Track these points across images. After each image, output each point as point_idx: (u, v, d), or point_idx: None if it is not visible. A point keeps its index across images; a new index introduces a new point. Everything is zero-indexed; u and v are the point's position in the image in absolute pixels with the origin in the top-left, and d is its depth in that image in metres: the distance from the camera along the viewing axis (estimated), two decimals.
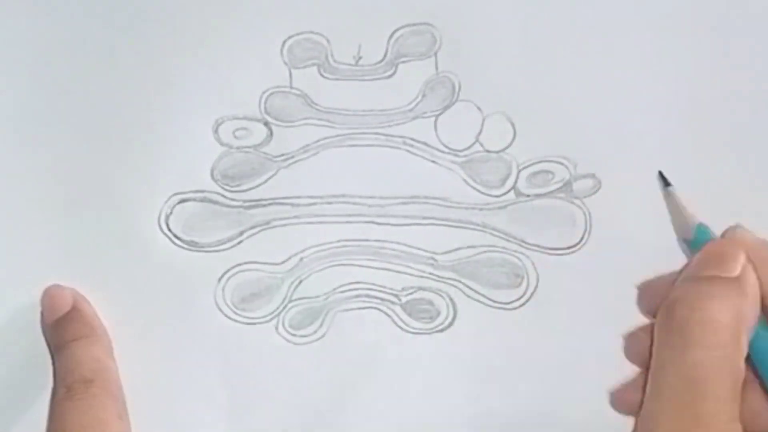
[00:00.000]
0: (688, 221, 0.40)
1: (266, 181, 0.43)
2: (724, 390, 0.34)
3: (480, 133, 0.43)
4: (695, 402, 0.34)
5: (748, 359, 0.36)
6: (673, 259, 0.41)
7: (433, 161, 0.43)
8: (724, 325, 0.34)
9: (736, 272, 0.36)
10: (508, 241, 0.42)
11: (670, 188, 0.41)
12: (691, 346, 0.34)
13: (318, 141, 0.43)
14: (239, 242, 0.42)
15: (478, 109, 0.43)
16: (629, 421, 0.39)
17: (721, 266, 0.36)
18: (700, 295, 0.35)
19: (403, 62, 0.43)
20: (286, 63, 0.43)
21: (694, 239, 0.40)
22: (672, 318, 0.36)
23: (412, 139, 0.43)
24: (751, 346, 0.36)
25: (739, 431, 0.34)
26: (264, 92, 0.43)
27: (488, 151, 0.43)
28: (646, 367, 0.37)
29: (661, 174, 0.42)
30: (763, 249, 0.37)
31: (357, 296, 0.42)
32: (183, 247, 0.42)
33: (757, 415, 0.36)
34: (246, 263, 0.42)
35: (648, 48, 0.43)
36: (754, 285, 0.36)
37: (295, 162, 0.43)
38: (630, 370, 0.40)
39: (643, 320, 0.41)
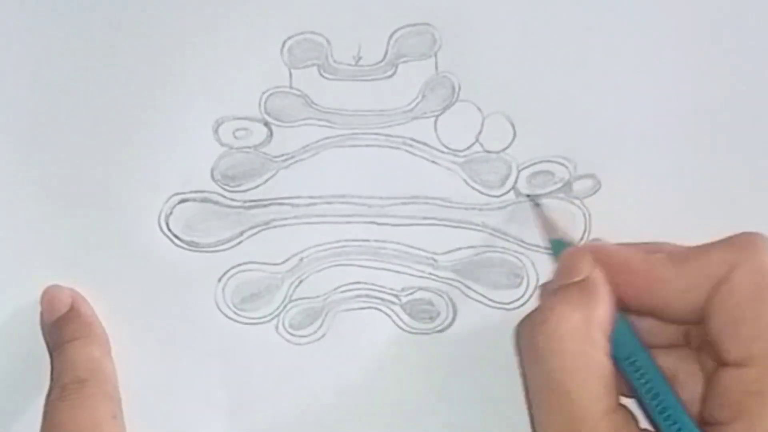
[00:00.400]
0: (547, 236, 0.41)
1: (266, 181, 0.43)
2: (589, 388, 0.35)
3: (480, 133, 0.43)
4: (563, 407, 0.35)
5: None
6: None
7: (433, 161, 0.43)
8: (571, 330, 0.35)
9: (581, 276, 0.37)
10: (507, 241, 0.42)
11: (538, 207, 0.42)
12: (543, 359, 0.35)
13: (318, 141, 0.43)
14: (239, 242, 0.42)
15: (478, 109, 0.43)
16: None
17: (568, 274, 0.37)
18: (547, 307, 0.36)
19: (403, 62, 0.43)
20: (286, 63, 0.43)
21: (552, 252, 0.40)
22: (522, 335, 0.37)
23: (412, 139, 0.43)
24: (611, 341, 0.37)
25: (619, 419, 0.35)
26: (264, 92, 0.43)
27: (488, 152, 0.43)
28: None
29: (528, 195, 0.42)
30: (616, 253, 0.37)
31: (357, 296, 0.42)
32: (183, 248, 0.42)
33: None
34: (246, 263, 0.42)
35: (647, 49, 0.43)
36: (603, 285, 0.37)
37: (295, 162, 0.43)
38: None
39: None
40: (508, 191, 0.43)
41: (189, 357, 0.42)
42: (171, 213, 0.42)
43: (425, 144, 0.43)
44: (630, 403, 0.37)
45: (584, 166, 0.43)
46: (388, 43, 0.43)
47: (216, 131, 0.42)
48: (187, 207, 0.42)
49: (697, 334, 0.39)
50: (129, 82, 0.43)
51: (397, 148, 0.43)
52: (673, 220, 0.43)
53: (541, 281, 0.42)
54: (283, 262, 0.42)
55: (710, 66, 0.43)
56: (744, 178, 0.43)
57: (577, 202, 0.43)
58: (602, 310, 0.36)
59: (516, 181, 0.43)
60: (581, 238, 0.43)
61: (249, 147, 0.43)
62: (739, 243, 0.36)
